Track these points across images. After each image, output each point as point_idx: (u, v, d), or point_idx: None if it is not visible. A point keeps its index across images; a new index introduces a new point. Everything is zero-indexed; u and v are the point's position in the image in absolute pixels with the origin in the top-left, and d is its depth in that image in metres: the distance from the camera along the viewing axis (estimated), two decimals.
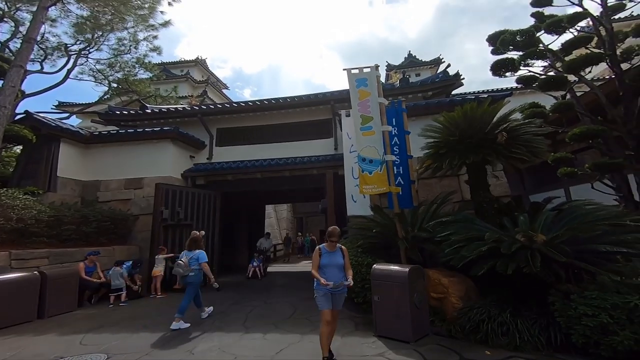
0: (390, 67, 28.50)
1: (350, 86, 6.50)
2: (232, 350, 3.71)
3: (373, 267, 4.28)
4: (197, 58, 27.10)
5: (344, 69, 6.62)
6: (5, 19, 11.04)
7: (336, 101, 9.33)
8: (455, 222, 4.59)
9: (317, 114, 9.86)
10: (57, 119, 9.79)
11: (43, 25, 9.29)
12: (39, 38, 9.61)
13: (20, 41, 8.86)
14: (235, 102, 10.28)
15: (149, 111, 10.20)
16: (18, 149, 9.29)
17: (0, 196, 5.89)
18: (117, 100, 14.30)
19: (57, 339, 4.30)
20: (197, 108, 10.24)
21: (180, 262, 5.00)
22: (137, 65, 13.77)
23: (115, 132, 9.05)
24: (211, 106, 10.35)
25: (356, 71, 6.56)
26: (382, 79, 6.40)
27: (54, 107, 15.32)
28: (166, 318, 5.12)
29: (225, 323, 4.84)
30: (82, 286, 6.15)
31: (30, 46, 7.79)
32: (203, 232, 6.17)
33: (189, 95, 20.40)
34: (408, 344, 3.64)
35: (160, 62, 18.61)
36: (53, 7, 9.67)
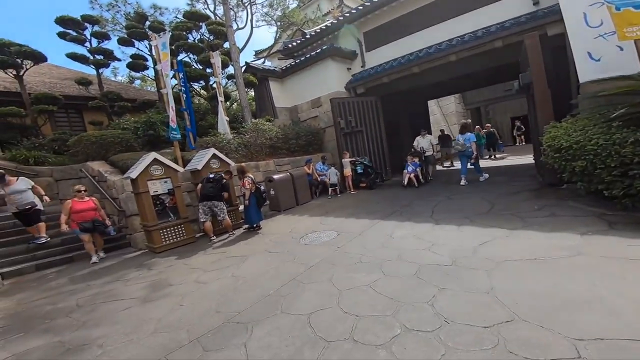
0: None
1: None
2: (426, 238, 3.59)
3: None
4: None
5: None
6: None
7: None
8: None
9: None
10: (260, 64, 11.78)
11: None
12: None
13: (221, 4, 10.43)
14: None
15: (308, 36, 10.27)
16: (251, 91, 12.01)
17: (258, 124, 8.11)
18: (285, 36, 15.41)
19: (310, 219, 5.65)
20: (342, 18, 9.10)
21: (458, 142, 6.77)
22: None
23: (293, 63, 9.88)
24: (353, 11, 8.86)
25: None
26: None
27: (253, 56, 18.74)
28: (363, 209, 5.74)
29: (413, 214, 4.78)
30: (309, 184, 7.81)
31: (227, 7, 9.09)
32: (468, 120, 6.41)
33: (330, 10, 18.81)
34: None
35: None
36: None
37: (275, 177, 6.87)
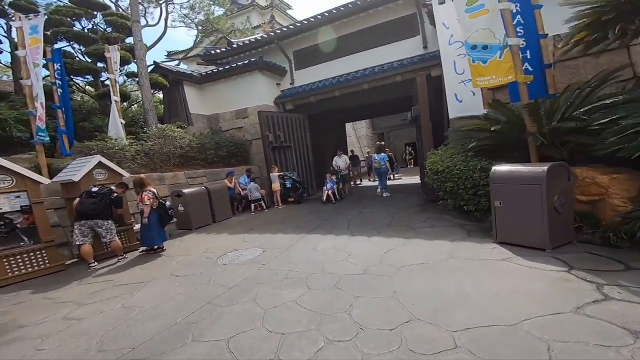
0: None
1: None
2: (345, 249, 3.88)
3: (493, 169, 3.46)
4: None
5: None
6: None
7: None
8: (630, 102, 3.08)
9: (397, 11, 7.74)
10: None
11: None
12: None
13: None
14: (305, 19, 8.87)
15: (235, 46, 9.95)
16: (158, 93, 10.54)
17: (165, 130, 7.07)
18: (207, 41, 14.45)
19: (230, 237, 5.25)
20: (272, 34, 9.30)
21: (375, 159, 7.96)
22: (211, 3, 13.11)
23: (216, 70, 9.26)
24: (284, 29, 9.20)
25: None
26: None
27: (165, 57, 16.61)
28: (290, 223, 5.73)
29: (333, 227, 5.10)
30: (231, 198, 7.25)
31: (134, 1, 7.83)
32: (382, 143, 7.11)
33: (261, 24, 18.94)
34: (543, 251, 3.00)
35: None
36: None
37: (186, 191, 6.10)
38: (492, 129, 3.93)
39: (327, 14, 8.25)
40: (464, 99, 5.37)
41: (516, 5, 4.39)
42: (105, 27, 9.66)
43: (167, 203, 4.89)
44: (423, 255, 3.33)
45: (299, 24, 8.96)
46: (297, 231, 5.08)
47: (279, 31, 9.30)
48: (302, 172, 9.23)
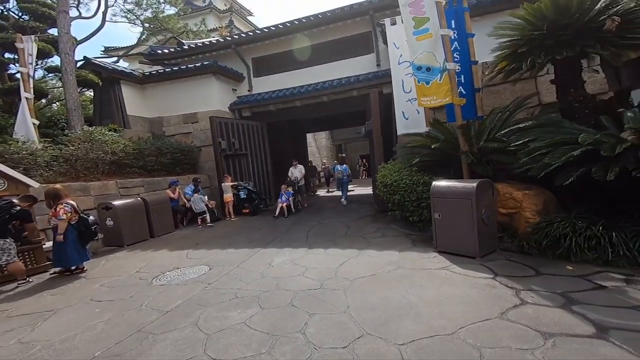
0: None
1: None
2: (302, 263, 3.79)
3: (433, 184, 3.75)
4: None
5: None
6: None
7: (375, 10, 7.47)
8: (537, 127, 3.64)
9: (354, 28, 8.07)
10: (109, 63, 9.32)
11: None
12: None
13: None
14: (265, 27, 8.74)
15: (186, 47, 9.30)
16: (88, 92, 9.30)
17: (93, 133, 6.09)
18: (154, 40, 13.27)
19: (170, 254, 4.77)
20: (230, 39, 8.93)
21: (338, 170, 8.34)
22: (161, 1, 12.18)
23: (162, 71, 8.48)
24: (242, 35, 8.91)
25: None
26: None
27: (101, 52, 14.75)
28: (244, 237, 5.41)
29: (291, 240, 4.96)
30: (174, 211, 6.56)
31: None
32: (344, 155, 6.76)
33: (218, 27, 18.20)
34: (474, 259, 3.31)
35: None
36: None
37: (117, 203, 5.39)
38: (433, 146, 4.24)
39: (289, 24, 8.24)
40: (410, 117, 5.77)
41: (454, 32, 4.93)
42: (20, 14, 8.24)
43: (91, 217, 4.24)
44: (374, 267, 3.41)
45: (259, 32, 8.76)
46: (251, 245, 4.79)
47: (237, 36, 8.96)
48: (260, 181, 8.88)
